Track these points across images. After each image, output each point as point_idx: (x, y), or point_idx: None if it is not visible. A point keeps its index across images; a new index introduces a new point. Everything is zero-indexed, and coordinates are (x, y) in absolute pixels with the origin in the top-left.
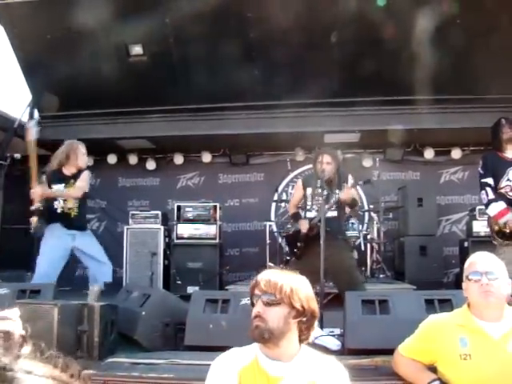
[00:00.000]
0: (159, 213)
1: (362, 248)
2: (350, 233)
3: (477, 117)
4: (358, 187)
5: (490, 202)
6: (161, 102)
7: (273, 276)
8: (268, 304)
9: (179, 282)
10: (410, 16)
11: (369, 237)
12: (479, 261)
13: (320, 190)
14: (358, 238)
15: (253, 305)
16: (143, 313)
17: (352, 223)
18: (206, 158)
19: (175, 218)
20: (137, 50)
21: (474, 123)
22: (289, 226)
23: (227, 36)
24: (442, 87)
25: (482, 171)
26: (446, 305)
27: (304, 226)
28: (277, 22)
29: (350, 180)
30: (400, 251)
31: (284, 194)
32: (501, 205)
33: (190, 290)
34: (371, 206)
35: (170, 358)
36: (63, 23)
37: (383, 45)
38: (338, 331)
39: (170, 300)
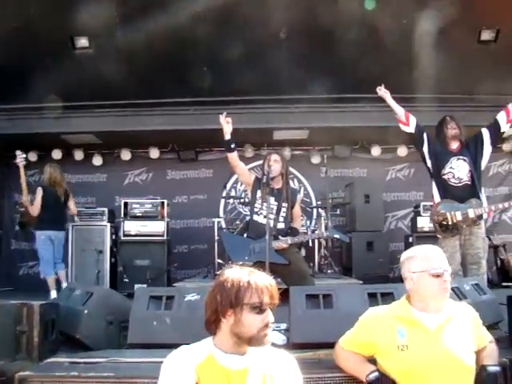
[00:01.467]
0: (106, 210)
1: (310, 244)
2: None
3: (423, 115)
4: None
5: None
6: (108, 96)
7: (271, 280)
8: (271, 310)
9: (126, 280)
10: (361, 15)
11: (316, 232)
12: (437, 257)
13: (269, 197)
14: (306, 233)
15: (259, 311)
16: (86, 311)
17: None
18: (154, 153)
19: (122, 215)
20: (82, 42)
21: (420, 121)
22: (237, 222)
23: (175, 30)
24: (389, 86)
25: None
26: (389, 298)
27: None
28: (223, 19)
29: (299, 198)
30: (347, 247)
31: (233, 191)
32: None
33: (138, 287)
34: (319, 203)
35: (112, 357)
36: (6, 14)
37: (333, 43)
38: (284, 326)
39: (113, 298)
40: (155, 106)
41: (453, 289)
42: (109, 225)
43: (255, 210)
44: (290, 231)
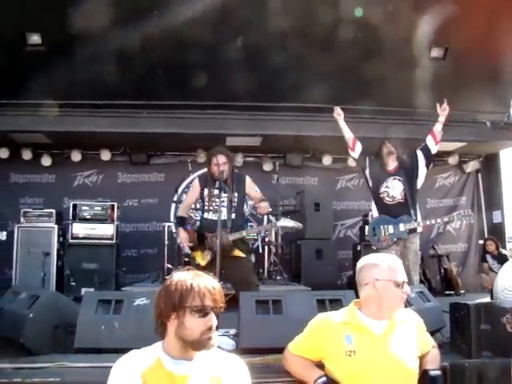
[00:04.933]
0: (53, 211)
1: (260, 250)
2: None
3: (372, 127)
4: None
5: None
6: (59, 95)
7: (215, 284)
8: (215, 313)
9: (73, 284)
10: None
11: (267, 239)
12: (400, 267)
13: (217, 192)
14: (256, 240)
15: (201, 314)
16: (31, 315)
17: (250, 225)
18: (105, 155)
19: (70, 217)
20: (35, 39)
21: (369, 133)
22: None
23: (129, 31)
24: (340, 97)
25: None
26: (337, 304)
27: (182, 239)
28: (183, 21)
29: (248, 180)
30: (297, 254)
31: (184, 195)
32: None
33: (86, 291)
34: (270, 210)
35: (57, 362)
36: None
37: (287, 52)
38: (233, 331)
39: (60, 301)
40: (107, 107)
41: None
42: (56, 227)
43: (205, 207)
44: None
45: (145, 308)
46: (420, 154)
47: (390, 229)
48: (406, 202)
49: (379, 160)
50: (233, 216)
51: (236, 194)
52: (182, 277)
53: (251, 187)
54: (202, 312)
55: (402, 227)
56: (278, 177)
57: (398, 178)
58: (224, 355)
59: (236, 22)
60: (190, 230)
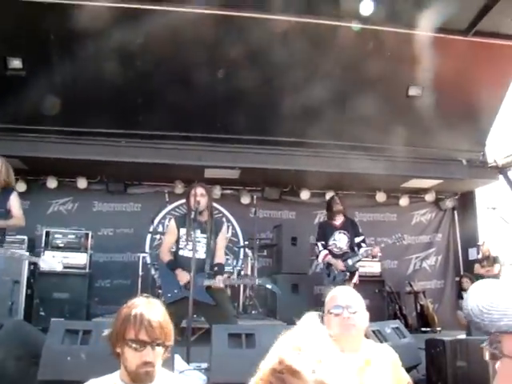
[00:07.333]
0: (25, 238)
1: (236, 284)
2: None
3: (351, 163)
4: (227, 235)
5: (319, 251)
6: (36, 121)
7: (159, 317)
8: (154, 348)
9: (42, 314)
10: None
11: (243, 273)
12: (340, 295)
13: (193, 233)
14: (232, 273)
15: (136, 347)
16: None
17: (227, 259)
18: (82, 183)
19: (43, 245)
20: (16, 63)
21: (347, 169)
22: None
23: (111, 58)
24: (317, 132)
25: (316, 236)
26: None
27: (184, 279)
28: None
29: (223, 231)
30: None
31: (160, 226)
32: (325, 252)
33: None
34: (246, 243)
35: None
36: None
37: (264, 84)
38: (205, 365)
39: (25, 331)
40: (85, 134)
41: (374, 331)
42: (27, 254)
43: (180, 246)
44: (218, 268)
45: (106, 341)
46: (358, 234)
47: (340, 265)
48: (353, 251)
49: (329, 212)
50: (209, 259)
51: (213, 237)
52: (130, 305)
53: (222, 241)
54: (137, 345)
55: (350, 262)
56: (255, 210)
57: (343, 231)
58: (180, 379)
59: (216, 56)
60: None
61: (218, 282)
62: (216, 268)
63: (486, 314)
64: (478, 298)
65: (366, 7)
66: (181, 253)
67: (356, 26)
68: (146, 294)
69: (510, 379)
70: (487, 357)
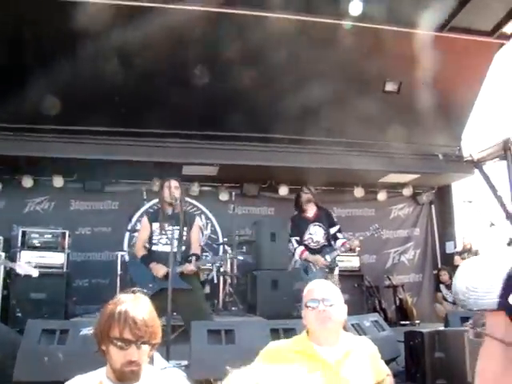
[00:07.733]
0: (1, 238)
1: (215, 281)
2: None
3: (329, 158)
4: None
5: (295, 249)
6: (9, 119)
7: (144, 315)
8: (139, 347)
9: (19, 315)
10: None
11: (222, 270)
12: (316, 288)
13: (167, 226)
14: (211, 270)
15: (121, 346)
16: None
17: (206, 256)
18: (58, 182)
19: (19, 245)
20: None
21: (326, 164)
22: None
23: (79, 55)
24: (295, 128)
25: (290, 231)
26: (291, 333)
27: (160, 272)
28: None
29: (196, 223)
30: (252, 285)
31: (138, 224)
32: (301, 248)
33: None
34: (225, 240)
35: None
36: None
37: (245, 80)
38: (185, 363)
39: (1, 332)
40: (61, 132)
41: (353, 325)
42: (3, 254)
43: (153, 241)
44: (194, 257)
45: (92, 338)
46: (333, 224)
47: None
48: (329, 243)
49: (298, 206)
50: (182, 248)
51: (185, 228)
52: (116, 301)
53: (196, 233)
54: (122, 344)
55: (327, 257)
56: (234, 206)
57: (318, 223)
58: (167, 375)
59: (193, 50)
60: None
61: (190, 265)
62: (191, 258)
63: (471, 292)
64: (465, 276)
65: (355, 7)
66: (154, 248)
67: (347, 23)
68: (133, 289)
69: (492, 358)
70: (471, 335)
